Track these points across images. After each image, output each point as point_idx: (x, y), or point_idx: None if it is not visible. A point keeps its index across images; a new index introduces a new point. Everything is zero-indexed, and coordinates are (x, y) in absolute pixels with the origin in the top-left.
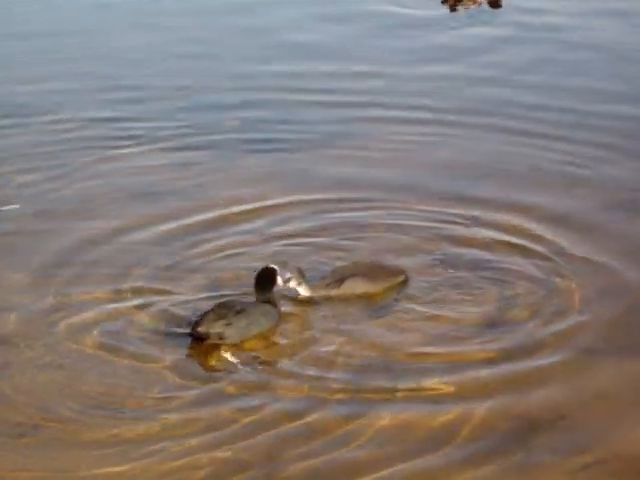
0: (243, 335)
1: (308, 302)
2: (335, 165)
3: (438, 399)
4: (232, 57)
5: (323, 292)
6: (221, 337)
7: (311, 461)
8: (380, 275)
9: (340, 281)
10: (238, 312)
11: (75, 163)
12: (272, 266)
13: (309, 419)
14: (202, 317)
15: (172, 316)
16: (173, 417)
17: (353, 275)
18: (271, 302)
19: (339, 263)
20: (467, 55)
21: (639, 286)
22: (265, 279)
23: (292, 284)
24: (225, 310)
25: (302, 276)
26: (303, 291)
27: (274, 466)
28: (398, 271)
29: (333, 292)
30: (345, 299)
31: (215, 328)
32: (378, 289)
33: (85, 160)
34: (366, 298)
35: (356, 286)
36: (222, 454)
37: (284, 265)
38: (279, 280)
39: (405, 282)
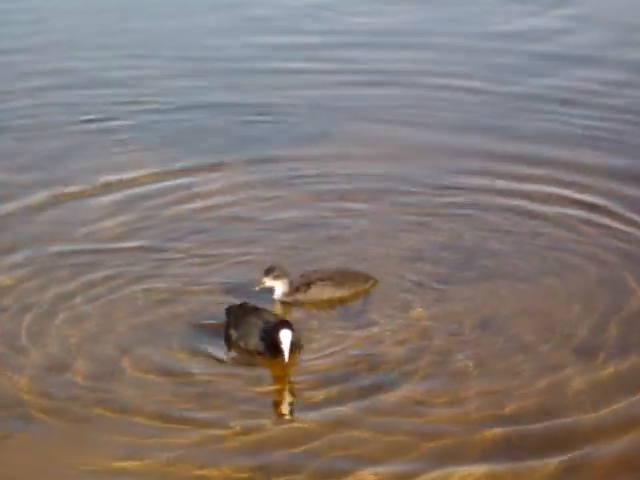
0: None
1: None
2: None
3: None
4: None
5: (291, 297)
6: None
7: None
8: (348, 280)
9: (307, 285)
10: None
11: None
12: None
13: None
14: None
15: None
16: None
17: (321, 280)
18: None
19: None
20: None
21: None
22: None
23: (272, 283)
24: (244, 315)
25: (287, 280)
26: (279, 294)
27: None
28: (366, 277)
29: (300, 297)
30: (313, 304)
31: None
32: (345, 294)
33: None
34: (334, 303)
35: (324, 291)
36: None
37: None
38: (284, 346)
39: (374, 287)
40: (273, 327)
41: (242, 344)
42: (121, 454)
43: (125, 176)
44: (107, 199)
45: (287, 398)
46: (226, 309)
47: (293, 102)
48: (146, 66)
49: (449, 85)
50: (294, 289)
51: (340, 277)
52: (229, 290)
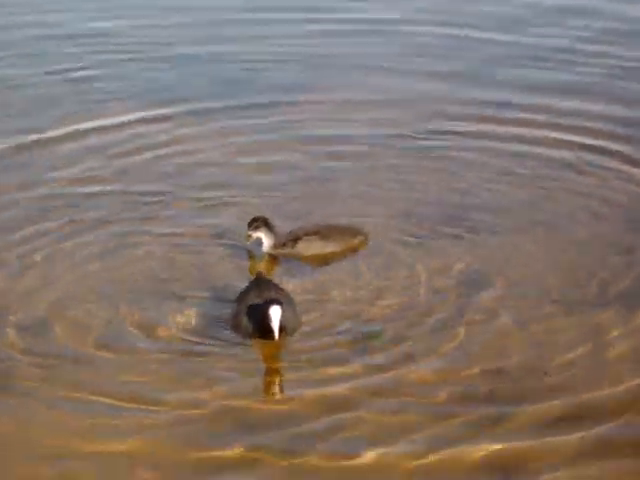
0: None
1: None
2: None
3: None
4: None
5: (279, 250)
6: None
7: None
8: (336, 236)
9: (295, 241)
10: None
11: None
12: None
13: None
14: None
15: None
16: None
17: (308, 235)
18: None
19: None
20: None
21: None
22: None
23: (259, 234)
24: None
25: (270, 229)
26: (266, 246)
27: None
28: (356, 232)
29: (288, 251)
30: (300, 258)
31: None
32: (334, 250)
33: None
34: (322, 258)
35: (311, 246)
36: None
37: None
38: (274, 323)
39: (364, 243)
40: (262, 305)
41: (235, 322)
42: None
43: (102, 123)
44: (84, 145)
45: (277, 375)
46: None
47: (277, 51)
48: (126, 16)
49: (435, 33)
50: (281, 244)
51: (328, 232)
52: (207, 236)
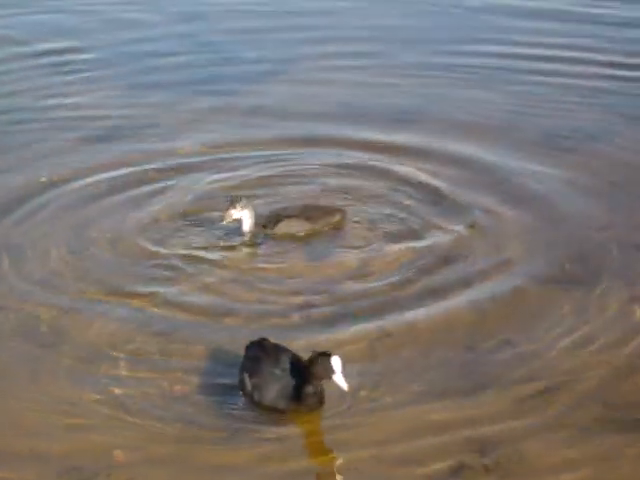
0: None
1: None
2: None
3: None
4: None
5: (260, 230)
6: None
7: None
8: (315, 215)
9: (275, 222)
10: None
11: None
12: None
13: None
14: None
15: None
16: None
17: (288, 217)
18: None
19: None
20: None
21: None
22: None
23: (239, 214)
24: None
25: (251, 210)
26: (248, 225)
27: None
28: (334, 210)
29: (269, 232)
30: (281, 237)
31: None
32: (315, 227)
33: None
34: (304, 236)
35: (290, 227)
36: None
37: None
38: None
39: (342, 221)
40: (311, 361)
41: (256, 397)
42: None
43: None
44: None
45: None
46: (246, 346)
47: None
48: None
49: None
50: (262, 226)
51: (308, 212)
52: None
